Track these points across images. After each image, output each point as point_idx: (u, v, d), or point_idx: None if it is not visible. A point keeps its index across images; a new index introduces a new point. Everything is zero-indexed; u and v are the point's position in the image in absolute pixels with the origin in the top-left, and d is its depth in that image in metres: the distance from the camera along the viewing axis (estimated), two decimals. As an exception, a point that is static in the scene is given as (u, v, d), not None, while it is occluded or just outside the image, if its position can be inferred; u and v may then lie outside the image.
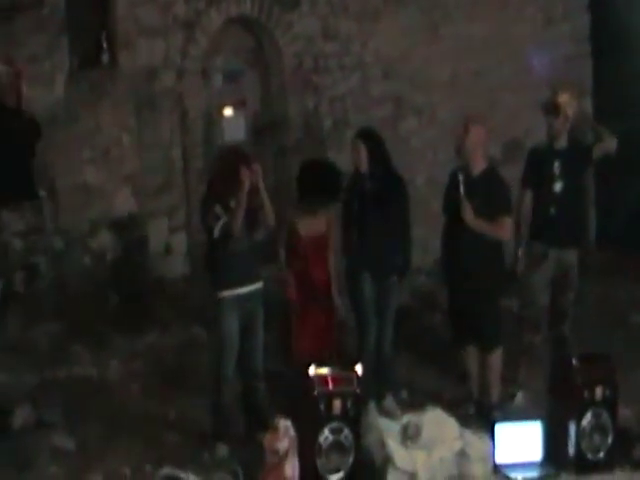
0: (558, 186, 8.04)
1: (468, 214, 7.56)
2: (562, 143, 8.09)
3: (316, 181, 7.86)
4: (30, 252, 8.27)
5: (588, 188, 9.01)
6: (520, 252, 8.07)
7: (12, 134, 8.44)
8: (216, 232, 7.15)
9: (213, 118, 10.22)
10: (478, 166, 7.77)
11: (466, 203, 7.56)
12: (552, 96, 8.11)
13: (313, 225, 7.83)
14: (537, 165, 8.13)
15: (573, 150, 8.10)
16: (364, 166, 7.84)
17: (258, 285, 7.33)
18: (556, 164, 8.05)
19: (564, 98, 8.07)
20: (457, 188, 7.65)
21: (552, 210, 8.01)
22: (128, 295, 8.88)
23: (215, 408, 7.27)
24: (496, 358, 7.77)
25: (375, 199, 7.86)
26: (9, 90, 8.34)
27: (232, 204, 7.18)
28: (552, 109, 8.02)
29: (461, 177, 7.65)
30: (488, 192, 7.69)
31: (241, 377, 7.31)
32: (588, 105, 11.18)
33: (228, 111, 10.36)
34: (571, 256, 8.10)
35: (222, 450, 7.14)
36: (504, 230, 7.72)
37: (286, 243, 7.86)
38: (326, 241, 7.88)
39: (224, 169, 7.34)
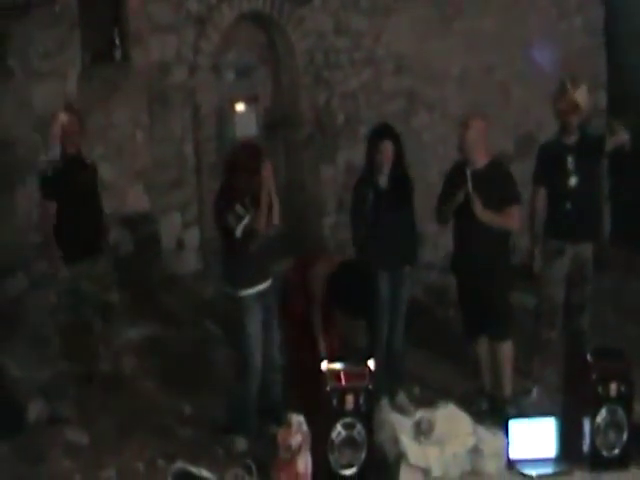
0: (573, 181, 8.01)
1: (478, 208, 7.55)
2: (573, 137, 8.06)
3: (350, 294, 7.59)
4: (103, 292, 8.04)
5: (602, 182, 8.96)
6: (536, 250, 8.05)
7: (78, 184, 8.01)
8: (238, 232, 7.09)
9: (225, 113, 10.22)
10: (481, 160, 7.76)
11: (475, 198, 7.55)
12: (568, 92, 8.04)
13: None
14: (549, 161, 8.10)
15: (585, 144, 8.07)
16: (389, 165, 7.82)
17: (271, 281, 7.34)
18: (569, 159, 8.02)
19: (581, 94, 8.02)
20: (460, 183, 7.63)
21: (568, 205, 7.99)
22: (141, 290, 8.88)
23: (236, 402, 7.26)
24: (507, 349, 7.75)
25: (389, 194, 7.86)
26: (71, 138, 8.02)
27: (248, 202, 7.13)
28: (570, 106, 7.97)
29: (468, 172, 7.64)
30: (494, 184, 7.69)
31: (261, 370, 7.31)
32: (602, 98, 11.15)
33: (240, 106, 10.36)
34: (587, 251, 8.09)
35: (241, 444, 7.15)
36: (513, 220, 7.73)
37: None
38: None
39: (242, 166, 7.18)
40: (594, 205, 8.33)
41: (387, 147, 7.82)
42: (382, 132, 7.99)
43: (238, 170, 7.18)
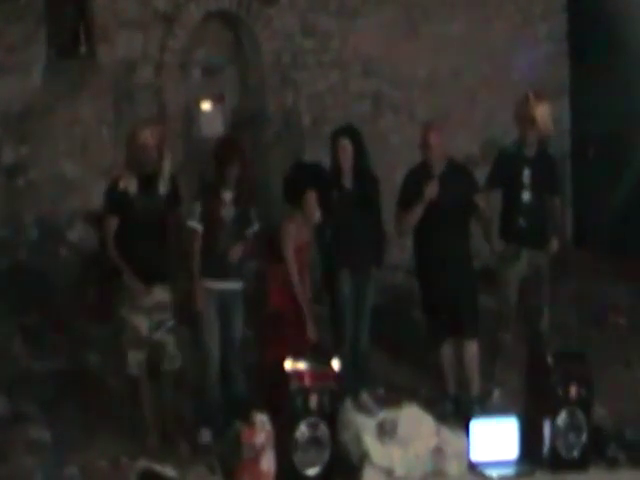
0: (526, 196, 8.07)
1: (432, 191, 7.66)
2: (532, 151, 8.13)
3: (307, 184, 7.77)
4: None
5: (561, 194, 9.01)
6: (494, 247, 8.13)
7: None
8: (227, 216, 7.36)
9: (192, 112, 10.20)
10: (442, 162, 7.85)
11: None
12: (528, 106, 8.09)
13: (301, 233, 7.73)
14: (507, 169, 8.17)
15: (542, 161, 8.15)
16: (349, 164, 7.86)
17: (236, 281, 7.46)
18: (526, 172, 8.08)
19: (540, 110, 8.07)
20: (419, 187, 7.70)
21: (521, 221, 8.06)
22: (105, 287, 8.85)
23: (199, 395, 7.37)
24: (474, 348, 7.83)
25: (353, 195, 7.89)
26: (153, 154, 7.17)
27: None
28: (528, 120, 8.04)
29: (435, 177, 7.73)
30: (455, 183, 7.81)
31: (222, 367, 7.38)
32: (566, 105, 11.24)
33: (206, 105, 10.34)
34: (541, 258, 8.15)
35: (206, 436, 7.22)
36: (483, 208, 7.82)
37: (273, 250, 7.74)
38: (309, 250, 7.81)
39: (232, 157, 7.41)
40: (547, 219, 8.30)
41: (345, 145, 7.87)
42: (341, 131, 8.04)
43: (229, 160, 7.36)
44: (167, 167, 7.17)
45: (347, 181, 7.93)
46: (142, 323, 7.13)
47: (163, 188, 7.17)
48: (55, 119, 9.13)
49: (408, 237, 8.13)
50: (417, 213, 7.78)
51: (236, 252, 7.34)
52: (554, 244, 8.11)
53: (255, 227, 7.57)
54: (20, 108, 9.20)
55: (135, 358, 7.12)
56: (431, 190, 7.72)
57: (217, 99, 10.36)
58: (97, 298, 8.46)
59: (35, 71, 9.59)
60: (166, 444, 7.06)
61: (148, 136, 7.09)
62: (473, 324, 7.83)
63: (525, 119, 8.06)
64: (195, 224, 7.36)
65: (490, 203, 8.11)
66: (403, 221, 7.90)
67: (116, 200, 7.19)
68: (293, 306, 7.56)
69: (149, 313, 7.14)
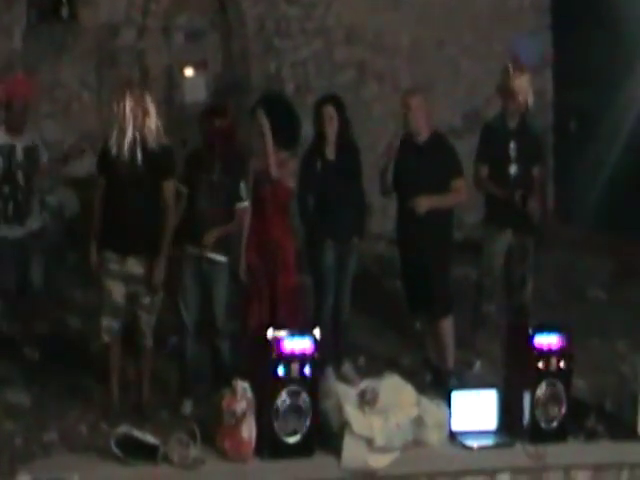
0: (513, 169, 8.08)
1: (421, 203, 7.56)
2: (514, 123, 8.12)
3: (278, 118, 7.73)
4: None
5: (543, 166, 9.01)
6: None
7: None
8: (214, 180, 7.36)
9: (174, 78, 10.14)
10: (424, 134, 7.78)
11: (420, 197, 7.56)
12: (509, 77, 8.07)
13: (277, 169, 7.64)
14: (493, 142, 8.14)
15: (525, 133, 8.15)
16: (332, 131, 7.81)
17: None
18: (511, 145, 8.08)
19: (520, 82, 8.05)
20: (405, 159, 7.65)
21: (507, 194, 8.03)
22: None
23: (181, 364, 7.37)
24: (447, 325, 7.81)
25: (336, 164, 7.85)
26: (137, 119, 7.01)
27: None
28: (507, 91, 8.02)
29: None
30: (437, 158, 7.71)
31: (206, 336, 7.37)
32: (548, 77, 11.24)
33: (189, 71, 10.29)
34: (526, 230, 8.16)
35: (187, 407, 7.25)
36: (459, 194, 7.77)
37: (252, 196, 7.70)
38: (287, 194, 7.77)
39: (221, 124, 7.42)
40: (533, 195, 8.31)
41: (330, 112, 7.81)
42: (325, 99, 7.99)
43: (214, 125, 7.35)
44: (152, 133, 7.04)
45: (330, 151, 7.89)
46: (117, 289, 7.05)
47: (139, 155, 7.00)
48: (36, 80, 9.03)
49: (392, 206, 8.11)
50: (386, 180, 7.77)
51: (209, 239, 7.27)
52: (532, 206, 8.09)
53: (245, 204, 7.49)
54: (0, 70, 9.09)
55: (106, 324, 7.06)
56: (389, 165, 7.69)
57: (200, 65, 10.30)
58: (77, 263, 8.42)
59: (16, 33, 9.50)
60: (145, 413, 7.04)
61: (132, 99, 6.98)
62: (445, 302, 7.80)
63: (506, 91, 8.05)
64: (180, 187, 7.30)
65: (481, 176, 8.08)
66: (382, 186, 7.86)
67: (104, 161, 7.12)
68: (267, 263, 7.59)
69: (125, 282, 7.07)
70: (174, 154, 7.23)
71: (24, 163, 7.79)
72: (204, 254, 7.31)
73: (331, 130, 7.81)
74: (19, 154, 7.77)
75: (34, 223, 7.87)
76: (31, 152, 7.80)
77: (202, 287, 7.37)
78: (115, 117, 6.98)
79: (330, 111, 7.81)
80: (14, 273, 7.82)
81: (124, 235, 6.98)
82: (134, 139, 6.97)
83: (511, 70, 8.10)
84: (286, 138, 7.72)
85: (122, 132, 6.96)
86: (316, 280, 7.91)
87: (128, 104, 6.91)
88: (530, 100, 8.14)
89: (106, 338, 7.08)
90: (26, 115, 7.81)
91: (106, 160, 7.07)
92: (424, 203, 7.59)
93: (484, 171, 8.14)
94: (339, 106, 7.89)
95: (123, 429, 6.37)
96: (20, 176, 7.77)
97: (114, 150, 6.99)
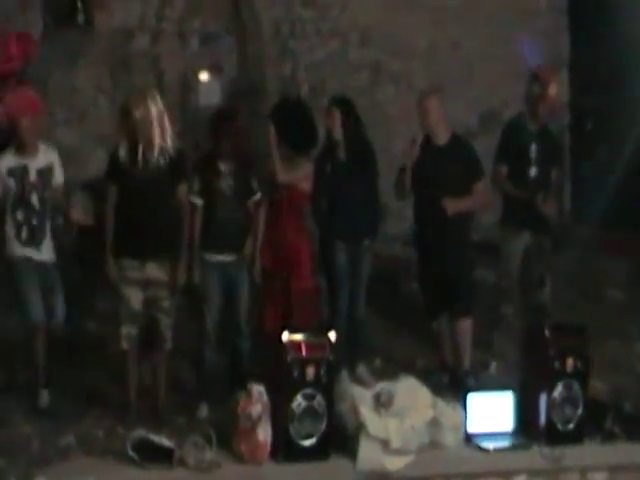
0: (533, 172, 8.07)
1: (449, 205, 7.56)
2: (536, 126, 8.10)
3: (293, 122, 7.74)
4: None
5: (562, 169, 9.00)
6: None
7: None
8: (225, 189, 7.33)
9: (189, 82, 10.17)
10: (443, 136, 7.77)
11: (448, 199, 7.55)
12: (540, 83, 8.03)
13: (289, 172, 7.68)
14: (514, 144, 8.12)
15: (545, 135, 8.14)
16: (338, 132, 7.82)
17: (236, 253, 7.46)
18: (533, 147, 8.06)
19: (552, 87, 8.05)
20: (424, 161, 7.64)
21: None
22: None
23: (199, 368, 7.40)
24: (467, 325, 7.81)
25: (348, 166, 7.85)
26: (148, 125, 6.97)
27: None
28: (538, 97, 7.99)
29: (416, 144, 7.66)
30: (457, 160, 7.70)
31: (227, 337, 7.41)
32: (565, 77, 11.20)
33: (204, 75, 10.31)
34: (544, 235, 8.15)
35: (203, 410, 7.25)
36: (481, 197, 7.76)
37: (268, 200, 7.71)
38: (302, 198, 7.78)
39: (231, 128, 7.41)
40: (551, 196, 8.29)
41: (333, 112, 7.81)
42: (332, 101, 8.01)
43: (225, 132, 7.33)
44: (166, 138, 7.05)
45: (341, 152, 7.88)
46: (135, 296, 7.07)
47: (155, 159, 7.02)
48: (52, 86, 9.08)
49: (407, 207, 8.10)
50: (402, 183, 7.76)
51: (247, 249, 7.35)
52: (551, 209, 8.09)
53: (257, 196, 7.51)
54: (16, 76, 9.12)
55: (126, 332, 7.07)
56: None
57: (215, 69, 10.33)
58: (94, 268, 8.43)
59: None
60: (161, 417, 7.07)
61: (142, 105, 6.96)
62: (466, 302, 7.79)
63: (536, 95, 8.02)
64: (196, 199, 7.31)
65: (500, 176, 8.04)
66: (397, 190, 7.85)
67: (115, 170, 7.09)
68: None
69: (143, 288, 7.09)
70: (185, 156, 7.25)
71: (38, 185, 7.23)
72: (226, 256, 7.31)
73: (335, 131, 7.81)
74: (32, 176, 7.22)
75: (47, 253, 7.31)
76: (46, 173, 7.26)
77: (226, 291, 7.38)
78: (125, 125, 6.99)
79: (334, 112, 7.82)
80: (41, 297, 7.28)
81: (143, 240, 6.99)
82: (147, 145, 6.99)
83: (543, 74, 8.09)
84: (302, 143, 7.75)
85: (134, 140, 6.98)
86: (329, 282, 7.93)
87: (139, 112, 6.92)
88: (560, 104, 8.15)
89: (126, 345, 7.09)
90: (37, 134, 7.25)
91: (117, 168, 7.06)
92: (453, 205, 7.58)
93: (504, 171, 8.11)
94: (344, 105, 7.89)
95: (139, 433, 6.41)
96: (35, 199, 7.22)
97: (127, 157, 7.00)
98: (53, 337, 7.29)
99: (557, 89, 8.11)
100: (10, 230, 7.22)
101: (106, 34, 9.72)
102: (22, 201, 7.21)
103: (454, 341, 7.86)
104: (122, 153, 7.05)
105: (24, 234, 7.24)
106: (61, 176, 7.38)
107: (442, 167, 7.67)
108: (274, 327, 7.48)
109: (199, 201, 7.30)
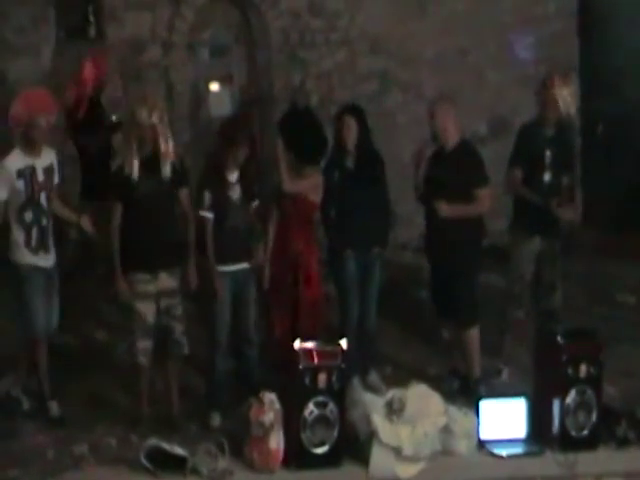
0: (547, 177, 8.04)
1: (442, 209, 7.57)
2: (552, 131, 8.08)
3: (302, 131, 7.75)
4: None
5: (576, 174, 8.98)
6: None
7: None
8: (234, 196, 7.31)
9: (199, 93, 10.21)
10: (451, 142, 7.78)
11: (438, 202, 7.57)
12: (553, 88, 8.01)
13: (297, 182, 7.67)
14: (529, 147, 8.09)
15: (560, 141, 8.10)
16: (352, 142, 7.82)
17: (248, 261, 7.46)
18: (547, 152, 8.03)
19: (565, 93, 8.02)
20: (431, 166, 7.66)
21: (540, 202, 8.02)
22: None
23: (209, 376, 7.38)
24: (473, 335, 7.77)
25: (357, 175, 7.86)
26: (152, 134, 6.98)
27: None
28: (551, 102, 7.97)
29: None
30: (462, 166, 7.68)
31: (235, 345, 7.40)
32: (575, 82, 11.19)
33: (214, 86, 10.36)
34: (555, 240, 8.15)
35: (215, 419, 7.23)
36: (482, 204, 7.74)
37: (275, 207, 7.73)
38: (311, 209, 7.79)
39: (241, 135, 7.35)
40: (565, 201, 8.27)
41: (350, 124, 7.79)
42: (346, 110, 7.98)
43: (237, 140, 7.28)
44: (169, 148, 7.05)
45: (350, 161, 7.89)
46: (149, 310, 7.06)
47: (166, 170, 7.00)
48: (65, 100, 9.11)
49: (418, 215, 8.10)
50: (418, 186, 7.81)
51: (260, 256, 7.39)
52: (568, 215, 8.06)
53: (255, 202, 7.49)
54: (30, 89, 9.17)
55: (142, 346, 7.06)
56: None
57: (225, 79, 10.37)
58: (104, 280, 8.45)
59: (45, 52, 9.60)
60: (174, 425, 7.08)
61: (146, 115, 6.94)
62: (471, 312, 7.78)
63: (549, 101, 8.00)
64: (206, 213, 7.31)
65: (515, 180, 8.04)
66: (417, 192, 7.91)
67: (120, 185, 7.05)
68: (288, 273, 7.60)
69: (156, 299, 7.08)
70: (185, 162, 7.29)
71: (46, 184, 7.12)
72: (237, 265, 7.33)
73: (349, 140, 7.81)
74: (40, 175, 7.10)
75: (52, 258, 7.21)
76: (50, 172, 7.17)
77: (235, 299, 7.37)
78: (128, 138, 7.00)
79: (348, 121, 7.82)
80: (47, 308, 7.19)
81: (153, 252, 6.98)
82: (150, 158, 7.01)
83: (557, 80, 8.06)
84: (310, 152, 7.76)
85: (137, 154, 6.98)
86: (340, 290, 7.92)
87: (148, 122, 6.93)
88: (572, 110, 8.11)
89: (143, 360, 7.09)
90: (48, 133, 7.17)
91: (120, 184, 7.04)
92: (446, 208, 7.58)
93: (519, 175, 8.08)
94: (358, 114, 7.89)
95: (152, 441, 6.43)
96: (43, 199, 7.09)
97: (132, 171, 6.99)
98: (58, 345, 7.29)
99: (570, 95, 8.05)
100: (18, 236, 7.06)
101: (117, 46, 9.76)
102: (31, 202, 7.08)
103: (463, 349, 7.86)
104: (127, 168, 7.02)
105: (34, 237, 7.08)
106: (57, 176, 7.28)
107: (446, 173, 7.66)
108: (282, 335, 7.50)
109: (210, 215, 7.30)
